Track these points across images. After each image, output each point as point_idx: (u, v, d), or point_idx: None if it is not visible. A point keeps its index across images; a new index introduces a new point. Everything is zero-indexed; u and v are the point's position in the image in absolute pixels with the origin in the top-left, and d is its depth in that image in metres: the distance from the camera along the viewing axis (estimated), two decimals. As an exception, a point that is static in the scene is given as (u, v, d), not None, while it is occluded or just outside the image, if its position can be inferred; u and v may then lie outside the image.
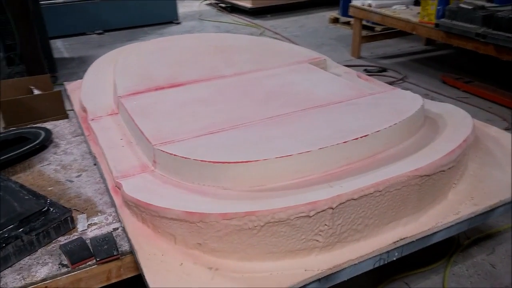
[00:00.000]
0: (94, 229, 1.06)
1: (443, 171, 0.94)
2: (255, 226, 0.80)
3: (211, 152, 0.97)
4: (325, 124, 1.08)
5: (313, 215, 0.80)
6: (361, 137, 0.95)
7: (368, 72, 3.55)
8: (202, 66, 1.65)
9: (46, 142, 1.41)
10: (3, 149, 1.33)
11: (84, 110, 1.50)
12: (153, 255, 0.85)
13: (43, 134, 1.42)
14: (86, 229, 1.06)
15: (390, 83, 3.31)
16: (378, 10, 3.45)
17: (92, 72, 1.71)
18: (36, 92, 1.98)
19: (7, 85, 1.97)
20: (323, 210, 0.80)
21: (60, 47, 4.49)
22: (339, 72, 1.77)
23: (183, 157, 0.97)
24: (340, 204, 0.81)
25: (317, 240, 0.83)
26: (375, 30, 4.28)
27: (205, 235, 0.84)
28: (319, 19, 5.35)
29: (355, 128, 1.01)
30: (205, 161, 0.92)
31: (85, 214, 1.10)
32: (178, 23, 5.31)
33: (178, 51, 1.76)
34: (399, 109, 1.14)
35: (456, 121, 1.16)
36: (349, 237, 0.85)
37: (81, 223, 1.07)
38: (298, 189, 0.86)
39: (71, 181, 1.25)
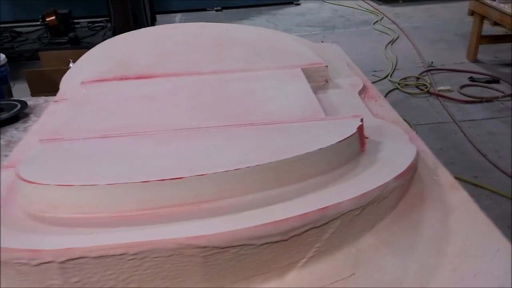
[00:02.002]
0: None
1: (252, 244, 0.69)
2: (-16, 259, 0.70)
3: (44, 162, 0.88)
4: (201, 152, 0.89)
5: (36, 265, 0.66)
6: (170, 178, 0.75)
7: (474, 81, 2.94)
8: (188, 59, 1.53)
9: (15, 115, 1.46)
10: None
11: (60, 90, 1.53)
12: None
13: (17, 108, 1.50)
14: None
15: (492, 99, 2.68)
16: (500, 5, 2.79)
17: (90, 54, 1.73)
18: (71, 65, 2.13)
19: (53, 56, 2.16)
20: (47, 262, 0.65)
21: (176, 21, 4.76)
22: (342, 84, 1.48)
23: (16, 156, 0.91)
24: (70, 259, 0.65)
25: (53, 293, 0.69)
26: (515, 28, 3.51)
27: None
28: (458, 10, 4.62)
29: (213, 163, 0.81)
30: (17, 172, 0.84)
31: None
32: (297, 4, 5.15)
33: (174, 40, 1.66)
34: (304, 145, 0.89)
35: (376, 175, 0.85)
36: (100, 299, 0.69)
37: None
38: (62, 228, 0.72)
39: (-5, 160, 1.30)
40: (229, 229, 0.68)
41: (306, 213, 0.72)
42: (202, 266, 0.68)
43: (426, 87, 2.78)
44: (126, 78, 1.42)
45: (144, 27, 3.59)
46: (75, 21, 3.89)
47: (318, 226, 0.74)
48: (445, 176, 1.00)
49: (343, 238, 0.79)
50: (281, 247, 0.72)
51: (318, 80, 1.46)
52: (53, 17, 3.34)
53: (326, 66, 1.46)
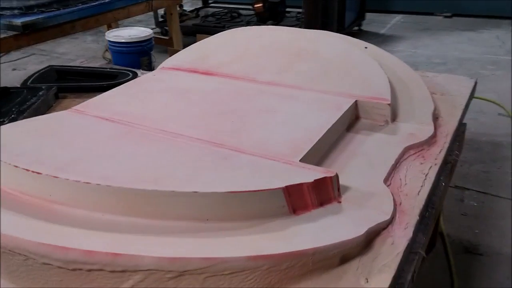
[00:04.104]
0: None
1: (34, 259, 0.64)
2: None
3: (21, 128, 1.01)
4: (118, 157, 0.89)
5: None
6: (32, 171, 0.75)
7: None
8: (257, 64, 1.48)
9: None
10: (99, 80, 1.74)
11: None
12: None
13: (127, 77, 1.74)
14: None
15: None
16: None
17: (195, 44, 1.80)
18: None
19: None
20: None
21: (391, 22, 4.45)
22: (402, 129, 1.18)
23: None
24: None
25: None
26: None
27: None
28: None
29: (94, 171, 0.79)
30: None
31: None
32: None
33: (262, 43, 1.59)
34: (198, 183, 0.78)
35: (235, 245, 0.68)
36: None
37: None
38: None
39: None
40: (18, 235, 0.69)
41: (92, 251, 0.66)
42: (1, 260, 0.72)
43: None
44: (195, 72, 1.49)
45: (336, 24, 3.53)
46: (288, 10, 4.11)
47: (111, 271, 0.67)
48: (378, 286, 0.74)
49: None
50: (66, 275, 0.68)
51: (376, 118, 1.23)
52: (260, 4, 3.62)
53: (389, 104, 1.20)
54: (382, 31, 4.13)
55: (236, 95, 1.28)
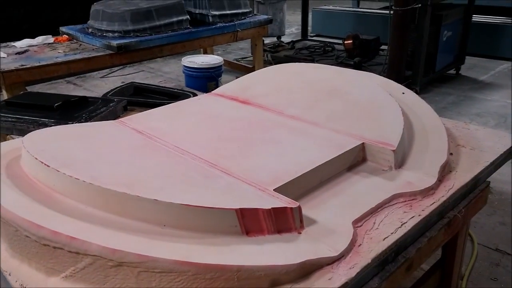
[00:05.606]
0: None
1: (18, 231, 0.81)
2: None
3: (58, 131, 1.23)
4: (124, 168, 1.04)
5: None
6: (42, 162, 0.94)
7: None
8: (289, 98, 1.56)
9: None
10: (165, 98, 1.98)
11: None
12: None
13: (188, 98, 1.94)
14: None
15: None
16: None
17: (264, 71, 1.92)
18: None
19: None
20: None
21: (495, 69, 4.14)
22: (403, 177, 1.17)
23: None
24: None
25: None
26: None
27: None
28: None
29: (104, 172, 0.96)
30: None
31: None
32: None
33: (303, 79, 1.67)
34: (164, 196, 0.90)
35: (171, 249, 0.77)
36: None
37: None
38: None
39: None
40: (13, 210, 0.87)
41: (57, 232, 0.82)
42: (4, 228, 0.91)
43: None
44: (235, 99, 1.64)
45: (424, 67, 3.42)
46: (383, 48, 4.10)
47: (68, 251, 0.82)
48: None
49: (102, 279, 0.82)
50: (40, 249, 0.85)
51: (381, 162, 1.25)
52: (350, 41, 3.68)
53: (393, 150, 1.21)
54: (482, 78, 3.88)
55: (256, 125, 1.38)
